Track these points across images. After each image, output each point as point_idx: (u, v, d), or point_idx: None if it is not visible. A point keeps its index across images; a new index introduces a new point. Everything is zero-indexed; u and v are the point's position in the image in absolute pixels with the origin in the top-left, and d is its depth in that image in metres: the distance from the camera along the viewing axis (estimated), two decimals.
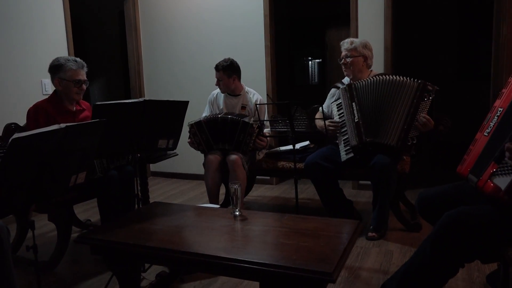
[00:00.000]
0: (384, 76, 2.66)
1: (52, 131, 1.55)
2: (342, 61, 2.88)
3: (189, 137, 3.07)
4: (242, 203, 3.05)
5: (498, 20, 3.21)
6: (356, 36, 3.76)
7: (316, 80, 6.99)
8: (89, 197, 2.67)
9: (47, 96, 2.61)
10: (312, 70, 7.05)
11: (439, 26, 5.91)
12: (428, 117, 2.50)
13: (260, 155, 3.23)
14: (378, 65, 3.65)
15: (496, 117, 1.47)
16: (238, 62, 3.22)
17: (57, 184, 1.75)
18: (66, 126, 1.59)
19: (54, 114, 2.47)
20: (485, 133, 1.51)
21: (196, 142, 3.06)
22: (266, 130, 3.19)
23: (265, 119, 3.18)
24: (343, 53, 2.88)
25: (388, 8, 3.66)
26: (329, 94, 3.07)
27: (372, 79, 2.68)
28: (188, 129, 3.04)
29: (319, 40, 6.71)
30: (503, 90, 1.51)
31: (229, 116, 3.00)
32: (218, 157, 3.04)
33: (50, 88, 3.49)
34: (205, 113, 3.34)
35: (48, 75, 2.53)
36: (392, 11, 3.71)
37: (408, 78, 2.60)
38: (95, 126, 1.81)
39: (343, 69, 2.91)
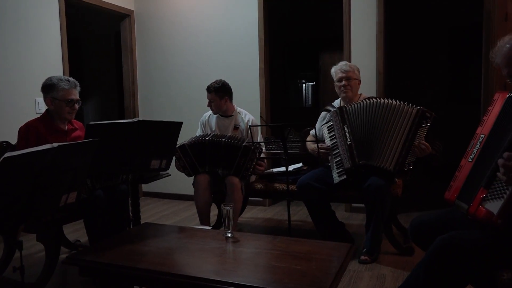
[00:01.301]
0: (377, 100, 2.69)
1: (44, 151, 1.55)
2: (342, 83, 2.88)
3: (175, 161, 3.06)
4: (235, 225, 3.03)
5: (487, 45, 3.29)
6: (349, 60, 3.83)
7: (310, 103, 7.06)
8: (79, 217, 2.64)
9: (40, 115, 2.61)
10: (306, 93, 7.12)
11: (431, 50, 6.04)
12: (427, 143, 2.52)
13: (253, 178, 3.22)
14: (370, 89, 3.71)
15: (478, 144, 1.53)
16: (232, 84, 3.25)
17: (47, 204, 1.73)
18: (59, 145, 1.59)
19: (45, 133, 2.46)
20: (469, 159, 1.56)
21: (181, 166, 3.05)
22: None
23: (259, 140, 3.19)
24: (342, 75, 2.88)
25: (380, 33, 3.74)
26: (319, 118, 3.09)
27: (364, 102, 2.71)
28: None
29: (313, 63, 6.81)
30: (484, 118, 1.57)
31: (223, 140, 2.97)
32: (208, 176, 3.02)
33: (43, 107, 3.47)
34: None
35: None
36: (384, 36, 3.79)
37: (405, 103, 2.60)
38: (87, 146, 1.81)
39: (342, 91, 2.89)
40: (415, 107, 2.57)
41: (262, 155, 3.10)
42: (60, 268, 2.55)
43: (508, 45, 1.53)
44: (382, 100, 2.66)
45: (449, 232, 1.46)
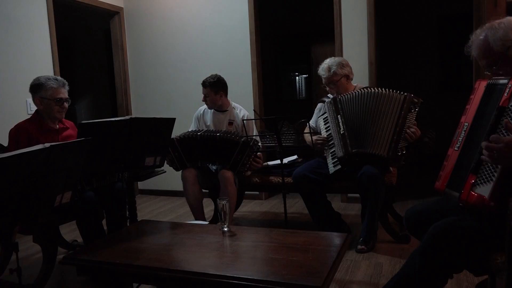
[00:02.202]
0: (369, 89, 2.71)
1: (36, 151, 1.54)
2: (327, 88, 2.92)
3: None
4: (231, 219, 3.04)
5: None
6: (341, 51, 3.83)
7: (304, 95, 7.07)
8: (75, 217, 2.63)
9: (30, 116, 2.60)
10: (299, 85, 7.12)
11: (421, 39, 6.06)
12: (415, 127, 2.58)
13: (249, 172, 3.23)
14: (363, 79, 3.72)
15: (463, 132, 1.56)
16: (225, 78, 3.24)
17: (42, 205, 1.72)
18: (51, 145, 1.58)
19: (36, 134, 2.45)
20: (455, 148, 1.58)
21: (169, 159, 3.05)
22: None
23: (254, 134, 3.19)
24: (325, 81, 2.90)
25: (371, 24, 3.74)
26: (316, 109, 3.10)
27: (357, 92, 2.73)
28: None
29: (305, 56, 6.81)
30: (467, 106, 1.60)
31: (218, 134, 2.97)
32: (194, 170, 3.03)
33: (35, 108, 3.46)
34: (191, 129, 3.34)
35: None
36: (375, 27, 3.79)
37: (393, 91, 2.65)
38: (80, 145, 1.80)
39: (328, 91, 2.95)
40: (403, 93, 2.62)
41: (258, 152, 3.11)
42: (58, 268, 2.55)
43: (481, 37, 1.56)
44: (373, 90, 2.69)
45: (443, 219, 1.48)
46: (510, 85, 1.39)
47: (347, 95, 2.76)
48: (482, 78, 1.61)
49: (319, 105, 3.06)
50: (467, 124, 1.56)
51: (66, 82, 2.57)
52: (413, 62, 6.11)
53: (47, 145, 1.57)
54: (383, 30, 5.32)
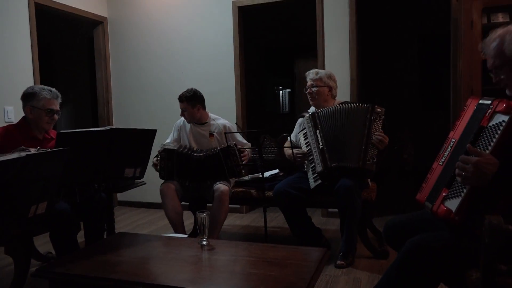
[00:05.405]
0: (343, 105, 2.80)
1: (11, 160, 1.51)
2: (307, 91, 2.97)
3: (156, 156, 3.04)
4: (218, 232, 3.01)
5: (455, 53, 3.40)
6: (323, 67, 3.89)
7: (287, 109, 7.12)
8: (49, 229, 2.56)
9: (8, 124, 2.56)
10: (283, 99, 7.19)
11: (403, 58, 6.19)
12: (382, 134, 2.66)
13: (243, 171, 3.20)
14: (344, 96, 3.77)
15: (449, 147, 1.58)
16: (208, 90, 3.24)
17: (15, 215, 1.68)
18: (27, 155, 1.55)
19: (20, 139, 2.41)
20: (440, 162, 1.61)
21: (160, 165, 3.00)
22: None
23: (240, 140, 3.20)
24: (309, 83, 2.97)
25: (353, 41, 3.81)
26: (296, 124, 3.12)
27: (332, 108, 2.80)
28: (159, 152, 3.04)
29: (288, 70, 6.88)
30: (457, 122, 1.61)
31: (202, 154, 2.99)
32: (172, 185, 3.00)
33: (13, 116, 3.39)
34: (169, 139, 3.32)
35: (12, 102, 2.49)
36: (357, 44, 3.87)
37: (360, 104, 2.77)
38: (57, 154, 1.77)
39: (309, 99, 3.00)
40: (367, 105, 2.72)
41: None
42: (30, 282, 2.47)
43: (498, 36, 1.49)
44: (344, 105, 2.78)
45: (418, 235, 1.50)
46: (492, 106, 1.41)
47: (324, 110, 2.82)
48: (474, 96, 1.60)
49: (300, 120, 3.08)
50: (454, 140, 1.57)
51: (60, 94, 2.57)
52: (396, 81, 6.23)
53: (23, 154, 1.54)
54: (366, 48, 5.43)
